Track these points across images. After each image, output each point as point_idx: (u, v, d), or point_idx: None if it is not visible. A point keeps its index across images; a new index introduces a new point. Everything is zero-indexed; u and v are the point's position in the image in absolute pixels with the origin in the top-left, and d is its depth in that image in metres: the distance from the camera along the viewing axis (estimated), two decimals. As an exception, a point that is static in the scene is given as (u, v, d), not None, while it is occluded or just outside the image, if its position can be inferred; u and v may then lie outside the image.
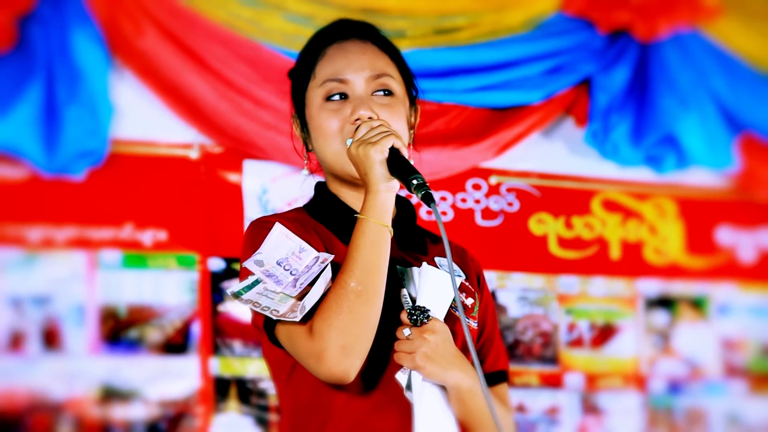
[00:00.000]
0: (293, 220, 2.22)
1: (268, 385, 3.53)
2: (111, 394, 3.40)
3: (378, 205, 2.11)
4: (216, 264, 3.54)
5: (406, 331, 2.13)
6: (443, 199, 3.81)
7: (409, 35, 3.69)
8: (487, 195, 3.88)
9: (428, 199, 2.04)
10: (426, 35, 3.72)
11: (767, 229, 4.33)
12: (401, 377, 2.14)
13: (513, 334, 3.84)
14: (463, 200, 3.85)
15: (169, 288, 3.49)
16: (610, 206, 4.07)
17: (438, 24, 3.74)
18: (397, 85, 2.28)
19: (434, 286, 2.18)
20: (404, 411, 2.14)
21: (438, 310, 2.17)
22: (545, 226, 3.96)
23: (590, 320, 4.00)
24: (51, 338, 3.39)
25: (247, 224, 3.56)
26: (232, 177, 3.60)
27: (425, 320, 2.14)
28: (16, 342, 3.36)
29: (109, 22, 3.43)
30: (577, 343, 3.96)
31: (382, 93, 2.25)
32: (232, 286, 2.11)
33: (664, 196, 4.16)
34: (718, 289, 4.22)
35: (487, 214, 3.88)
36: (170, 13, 3.51)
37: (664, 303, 4.13)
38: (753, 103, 4.17)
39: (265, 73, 3.56)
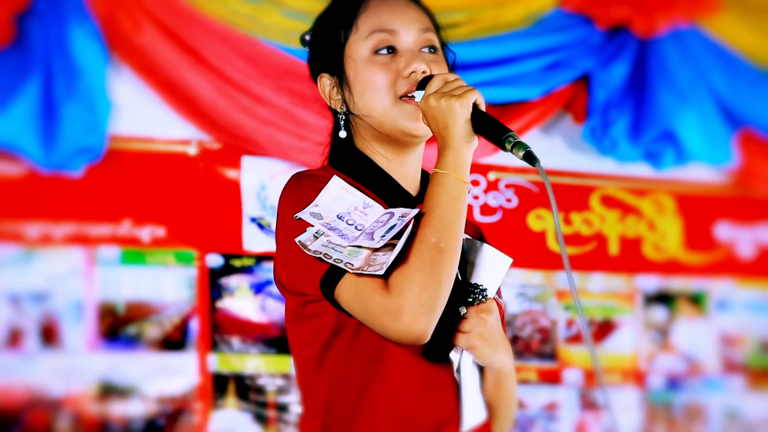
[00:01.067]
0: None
1: (267, 382, 3.53)
2: (109, 391, 3.40)
3: (459, 162, 2.02)
4: (214, 260, 3.54)
5: (462, 309, 2.06)
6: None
7: (407, 31, 3.68)
8: (486, 191, 3.88)
9: (530, 158, 1.98)
10: (424, 31, 3.72)
11: (766, 225, 4.33)
12: (454, 356, 2.05)
13: (512, 330, 3.84)
14: (462, 196, 3.84)
15: (168, 284, 3.49)
16: (609, 202, 4.07)
17: (436, 19, 3.73)
18: (438, 43, 2.18)
19: (491, 266, 2.11)
20: (451, 391, 2.06)
21: (491, 292, 2.10)
22: (544, 222, 3.96)
23: (589, 316, 3.99)
24: (49, 335, 3.39)
25: (245, 220, 3.57)
26: (231, 173, 3.60)
27: (483, 299, 2.07)
28: (14, 338, 3.36)
29: (107, 18, 3.43)
30: (575, 339, 3.96)
31: (429, 49, 2.14)
32: (299, 236, 1.97)
33: (662, 192, 4.16)
34: (716, 285, 4.22)
35: (486, 210, 3.88)
36: (168, 9, 3.50)
37: (663, 299, 4.13)
38: (752, 99, 4.17)
39: (264, 69, 3.56)
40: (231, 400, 3.51)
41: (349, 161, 2.16)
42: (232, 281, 3.54)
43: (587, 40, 3.97)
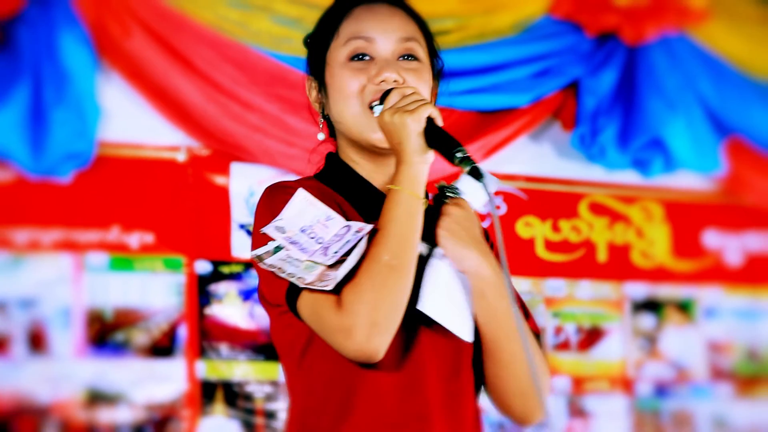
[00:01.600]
0: (312, 188, 2.09)
1: (255, 389, 3.53)
2: (97, 398, 3.39)
3: (413, 177, 2.01)
4: (203, 267, 3.53)
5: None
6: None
7: (397, 38, 3.68)
8: (475, 198, 3.87)
9: (476, 174, 1.96)
10: (414, 38, 3.72)
11: (754, 233, 4.34)
12: (422, 247, 2.03)
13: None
14: (451, 203, 3.84)
15: (156, 291, 3.49)
16: (598, 209, 4.07)
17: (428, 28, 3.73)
18: (422, 53, 2.16)
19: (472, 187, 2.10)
20: (431, 393, 2.03)
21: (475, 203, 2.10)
22: (532, 229, 3.96)
23: (577, 323, 4.00)
24: (37, 341, 3.38)
25: (234, 227, 3.57)
26: (220, 180, 3.59)
27: (453, 195, 2.08)
28: (1, 345, 3.35)
29: (97, 23, 3.43)
30: (563, 346, 3.96)
31: (407, 58, 2.13)
32: (255, 250, 1.99)
33: (651, 200, 4.17)
34: (704, 293, 4.23)
35: (475, 217, 3.87)
36: (158, 15, 3.50)
37: (651, 306, 4.14)
38: (740, 107, 4.18)
39: (253, 76, 3.56)
40: (219, 407, 3.50)
41: (331, 170, 2.19)
42: (221, 288, 3.53)
43: (576, 48, 3.97)
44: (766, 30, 4.31)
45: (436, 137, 2.01)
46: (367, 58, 2.12)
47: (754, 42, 4.27)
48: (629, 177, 4.08)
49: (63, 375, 3.37)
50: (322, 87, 2.18)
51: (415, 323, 2.03)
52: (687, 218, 4.23)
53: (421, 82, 2.12)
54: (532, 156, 4.00)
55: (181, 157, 3.57)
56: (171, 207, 3.52)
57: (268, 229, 2.01)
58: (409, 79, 2.10)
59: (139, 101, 3.51)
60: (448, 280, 2.06)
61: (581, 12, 3.97)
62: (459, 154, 1.97)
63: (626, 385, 4.04)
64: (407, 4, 2.23)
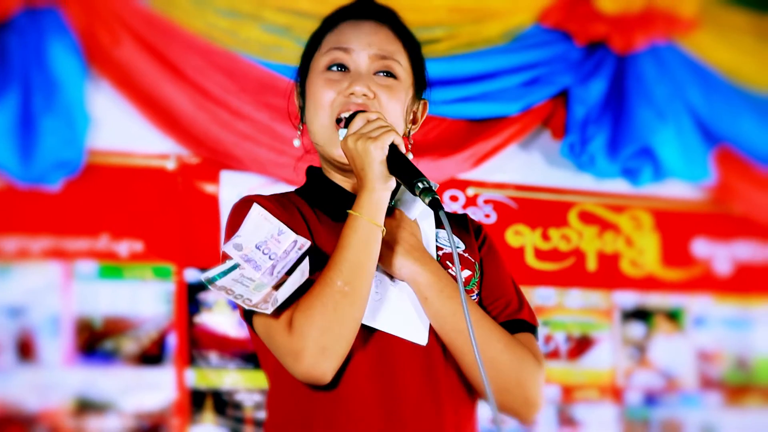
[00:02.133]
0: (275, 199, 2.14)
1: (244, 397, 3.52)
2: (86, 406, 3.38)
3: (373, 204, 2.03)
4: (192, 275, 3.53)
5: None
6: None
7: (386, 46, 3.69)
8: (465, 206, 3.88)
9: (435, 206, 1.96)
10: (404, 47, 3.73)
11: (743, 242, 4.35)
12: None
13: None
14: (441, 212, 3.84)
15: (145, 299, 3.48)
16: (587, 218, 4.07)
17: (416, 35, 3.73)
18: (403, 72, 2.19)
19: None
20: (407, 398, 2.05)
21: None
22: (522, 237, 3.96)
23: (567, 332, 4.00)
24: (26, 349, 3.37)
25: (223, 236, 3.56)
26: (209, 188, 3.59)
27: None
28: (-10, 353, 3.34)
29: (86, 32, 3.42)
30: (553, 354, 3.96)
31: (384, 74, 2.17)
32: (208, 271, 2.02)
33: (640, 208, 4.17)
34: (693, 301, 4.23)
35: (464, 225, 3.87)
36: (147, 23, 3.50)
37: (641, 315, 4.14)
38: (728, 117, 4.19)
39: (243, 84, 3.56)
40: (208, 416, 3.49)
41: (310, 184, 2.23)
42: (210, 296, 3.53)
43: (566, 57, 3.98)
44: (755, 39, 4.33)
45: (398, 165, 2.03)
46: (343, 69, 2.16)
47: (743, 51, 4.28)
48: (619, 186, 4.09)
49: (52, 383, 3.36)
50: (302, 93, 2.24)
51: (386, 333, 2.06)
52: (676, 227, 4.23)
53: (392, 98, 2.15)
54: (521, 164, 4.00)
55: (170, 165, 3.56)
56: (160, 215, 3.52)
57: (227, 248, 2.04)
58: (380, 94, 2.14)
59: (128, 109, 3.50)
60: (395, 291, 2.09)
61: (571, 21, 3.98)
62: (420, 185, 1.98)
63: (616, 393, 4.04)
64: (398, 22, 2.27)
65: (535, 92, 3.90)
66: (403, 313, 2.08)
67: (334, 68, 2.16)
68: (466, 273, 2.19)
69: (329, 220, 2.14)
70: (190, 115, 3.51)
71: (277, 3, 3.64)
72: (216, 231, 3.56)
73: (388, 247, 2.08)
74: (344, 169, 2.17)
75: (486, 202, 3.92)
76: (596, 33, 3.99)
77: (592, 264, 4.06)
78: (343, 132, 2.08)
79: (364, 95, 2.13)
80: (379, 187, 2.03)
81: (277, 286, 1.99)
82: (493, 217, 3.92)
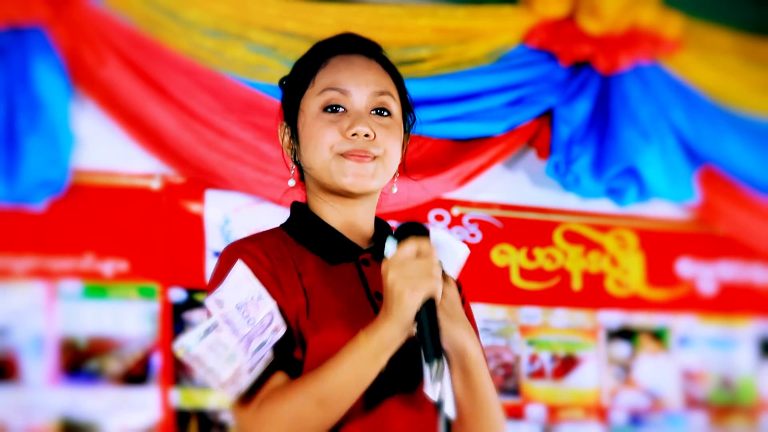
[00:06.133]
0: (266, 245, 2.13)
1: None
2: (70, 426, 3.37)
3: (385, 341, 1.96)
4: (177, 295, 3.52)
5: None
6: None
7: (372, 66, 3.69)
8: (450, 226, 3.88)
9: (437, 379, 1.93)
10: (389, 66, 3.74)
11: (727, 262, 4.36)
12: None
13: (475, 366, 3.83)
14: (426, 231, 3.85)
15: (130, 319, 3.47)
16: (572, 238, 4.08)
17: (401, 55, 3.74)
18: (395, 106, 2.21)
19: (449, 252, 2.06)
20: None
21: (450, 272, 2.06)
22: (507, 257, 3.97)
23: (552, 351, 4.00)
24: (9, 369, 3.35)
25: (209, 255, 3.56)
26: (194, 207, 3.59)
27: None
28: (-26, 373, 3.33)
29: (71, 51, 3.42)
30: (538, 374, 3.96)
31: (380, 112, 2.18)
32: (183, 337, 2.00)
33: (625, 228, 4.18)
34: (678, 321, 4.24)
35: (450, 245, 3.87)
36: (132, 43, 3.50)
37: (625, 334, 4.14)
38: (713, 137, 4.20)
39: (228, 104, 3.56)
40: (193, 436, 3.49)
41: (296, 220, 2.23)
42: (195, 316, 3.52)
43: (551, 77, 3.99)
44: (739, 60, 4.35)
45: (425, 323, 1.96)
46: (341, 109, 2.17)
47: (727, 72, 4.30)
48: (604, 206, 4.10)
49: (36, 404, 3.35)
50: (295, 133, 2.23)
51: (383, 395, 2.06)
52: (661, 247, 4.24)
53: (391, 136, 2.17)
54: (506, 184, 4.01)
55: (155, 184, 3.56)
56: (145, 235, 3.51)
57: (209, 302, 2.03)
58: (380, 133, 2.15)
59: (113, 129, 3.50)
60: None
61: (555, 41, 3.99)
62: (433, 361, 1.93)
63: (601, 413, 4.04)
64: (383, 55, 2.28)
65: (520, 112, 3.91)
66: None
67: (331, 109, 2.17)
68: None
69: (319, 261, 2.15)
70: (176, 135, 3.51)
71: (263, 23, 3.64)
72: (201, 250, 3.55)
73: (447, 312, 2.04)
74: (349, 196, 2.18)
75: (471, 221, 3.92)
76: (581, 53, 4.00)
77: (577, 283, 4.07)
78: (391, 248, 1.98)
79: (366, 135, 2.14)
80: (397, 329, 1.97)
81: (248, 369, 1.99)
82: (479, 237, 3.92)
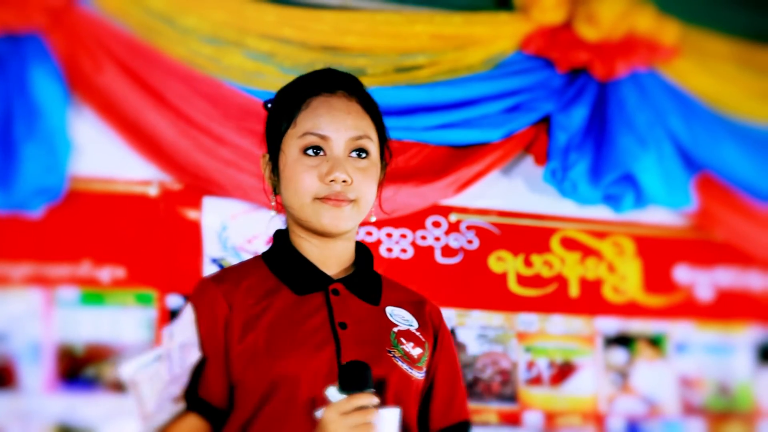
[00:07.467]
0: (240, 288, 2.23)
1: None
2: (67, 433, 3.37)
3: None
4: (174, 301, 3.52)
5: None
6: (403, 236, 3.81)
7: (369, 73, 3.70)
8: (447, 232, 3.88)
9: None
10: (386, 73, 3.74)
11: (724, 268, 4.36)
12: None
13: (472, 372, 3.84)
14: (423, 237, 3.85)
15: (127, 325, 3.47)
16: (569, 244, 4.08)
17: (398, 62, 3.75)
18: (374, 147, 2.30)
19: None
20: None
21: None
22: (505, 263, 3.97)
23: (549, 358, 4.00)
24: (6, 376, 3.35)
25: (206, 262, 3.56)
26: (192, 214, 3.59)
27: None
28: (-29, 380, 3.33)
29: (68, 58, 3.42)
30: (536, 381, 3.96)
31: (358, 154, 2.26)
32: (137, 359, 2.15)
33: (622, 235, 4.18)
34: (675, 327, 4.24)
35: (447, 251, 3.88)
36: (130, 49, 3.50)
37: (623, 341, 4.14)
38: (710, 144, 4.20)
39: (225, 110, 3.56)
40: (190, 443, 3.48)
41: (275, 249, 2.33)
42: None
43: (547, 83, 4.00)
44: (736, 67, 4.35)
45: None
46: (321, 152, 2.25)
47: (724, 79, 4.30)
48: (601, 212, 4.10)
49: (33, 411, 3.35)
50: (276, 169, 2.32)
51: None
52: (658, 254, 4.24)
53: (367, 179, 2.26)
54: (504, 191, 4.01)
55: (153, 191, 3.56)
56: (142, 241, 3.51)
57: (166, 329, 2.17)
58: (356, 177, 2.24)
59: (110, 136, 3.50)
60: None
61: (552, 48, 4.00)
62: None
63: (598, 420, 4.04)
64: (364, 91, 2.35)
65: (517, 119, 3.91)
66: None
67: (310, 152, 2.25)
68: (418, 351, 2.27)
69: (288, 292, 2.24)
70: (173, 142, 3.51)
71: (260, 30, 3.65)
72: (198, 257, 3.55)
73: None
74: (325, 235, 2.27)
75: (468, 228, 3.92)
76: (578, 60, 4.01)
77: (574, 290, 4.07)
78: (333, 394, 2.07)
79: (344, 181, 2.23)
80: None
81: (155, 409, 2.13)
82: (476, 243, 3.92)
